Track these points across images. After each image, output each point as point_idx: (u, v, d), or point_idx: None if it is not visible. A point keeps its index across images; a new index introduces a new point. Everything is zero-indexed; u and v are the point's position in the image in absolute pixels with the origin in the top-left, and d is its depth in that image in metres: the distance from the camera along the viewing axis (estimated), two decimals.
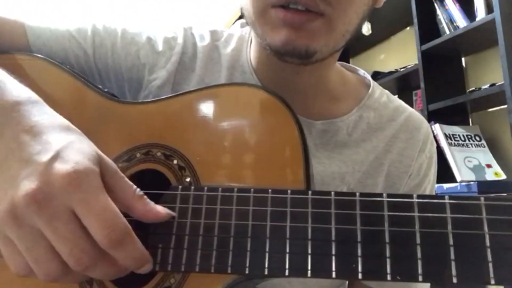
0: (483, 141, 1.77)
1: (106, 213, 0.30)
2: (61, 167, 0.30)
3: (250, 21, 0.47)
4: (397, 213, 0.32)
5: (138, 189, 0.35)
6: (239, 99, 0.43)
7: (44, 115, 0.35)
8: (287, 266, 0.33)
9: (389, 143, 0.56)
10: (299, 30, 0.43)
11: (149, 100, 0.48)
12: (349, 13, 0.44)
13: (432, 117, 1.76)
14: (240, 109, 0.43)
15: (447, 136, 1.72)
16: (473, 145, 1.75)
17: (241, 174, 0.39)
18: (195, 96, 0.45)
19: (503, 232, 0.29)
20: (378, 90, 0.60)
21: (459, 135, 1.75)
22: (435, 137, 1.74)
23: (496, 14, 1.49)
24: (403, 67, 2.05)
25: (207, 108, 0.44)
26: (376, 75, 2.18)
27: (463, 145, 1.73)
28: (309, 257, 0.33)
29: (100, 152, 0.34)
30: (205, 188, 0.38)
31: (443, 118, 1.76)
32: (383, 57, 2.46)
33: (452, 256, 0.29)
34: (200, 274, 0.36)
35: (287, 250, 0.33)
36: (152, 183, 0.40)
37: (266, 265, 0.34)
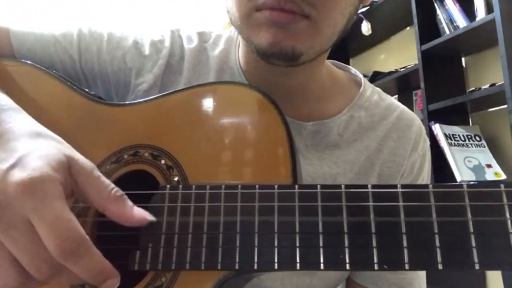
0: (483, 141, 1.77)
1: (59, 222, 0.29)
2: (17, 174, 0.30)
3: (236, 25, 0.47)
4: (382, 203, 0.32)
5: (116, 190, 0.34)
6: (225, 98, 0.44)
7: (15, 122, 0.35)
8: (276, 260, 0.34)
9: (381, 142, 0.55)
10: (285, 30, 0.43)
11: (136, 101, 0.48)
12: (334, 15, 0.44)
13: (432, 117, 1.76)
14: (226, 107, 0.43)
15: (447, 136, 1.72)
16: (473, 145, 1.75)
17: (229, 172, 0.40)
18: (181, 96, 0.45)
19: (486, 218, 0.29)
20: (369, 89, 0.59)
21: (459, 135, 1.75)
22: (435, 137, 1.74)
23: (496, 14, 1.49)
24: (403, 67, 2.05)
25: (193, 107, 0.44)
26: (376, 75, 2.18)
27: (463, 145, 1.73)
28: (298, 250, 0.33)
29: (73, 155, 0.34)
30: (193, 186, 0.38)
31: (443, 118, 1.76)
32: (383, 57, 2.46)
33: (437, 243, 0.30)
34: (191, 272, 0.36)
35: (275, 244, 0.34)
36: (141, 183, 0.41)
37: (256, 260, 0.34)
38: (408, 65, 2.01)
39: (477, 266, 0.29)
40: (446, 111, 1.75)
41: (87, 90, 0.50)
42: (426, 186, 0.31)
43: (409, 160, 0.55)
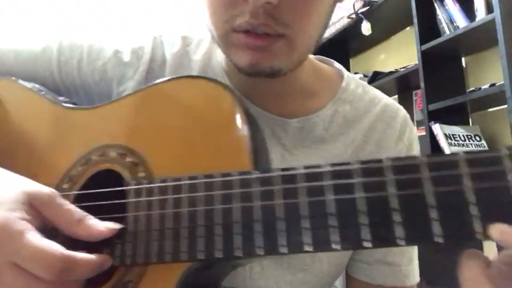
0: (483, 141, 1.77)
1: (38, 253, 0.32)
2: None
3: (215, 41, 0.48)
4: (370, 179, 0.30)
5: (78, 212, 0.37)
6: (183, 91, 0.45)
7: None
8: (240, 246, 0.34)
9: (367, 134, 0.55)
10: (262, 51, 0.44)
11: (103, 103, 0.49)
12: (308, 30, 0.45)
13: (432, 117, 1.76)
14: (185, 101, 0.44)
15: (447, 136, 1.72)
16: (473, 145, 1.75)
17: (191, 164, 0.40)
18: (143, 94, 0.47)
19: (485, 185, 0.28)
20: (353, 83, 0.59)
21: (459, 135, 1.75)
22: (435, 137, 1.74)
23: (496, 14, 1.49)
24: (403, 67, 2.05)
25: (154, 104, 0.45)
26: (376, 75, 2.18)
27: (463, 145, 1.73)
28: (262, 236, 0.33)
29: (30, 190, 0.36)
30: (157, 180, 0.39)
31: (443, 118, 1.76)
32: (383, 57, 2.46)
33: (435, 216, 0.28)
34: (158, 265, 0.37)
35: (236, 231, 0.34)
36: (110, 182, 0.42)
37: (221, 247, 0.34)
38: (408, 65, 2.01)
39: (479, 236, 0.27)
40: (446, 111, 1.75)
41: (60, 98, 0.52)
42: (416, 157, 0.30)
43: (395, 150, 0.56)
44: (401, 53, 2.29)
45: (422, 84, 1.80)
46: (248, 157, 0.38)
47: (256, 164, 0.37)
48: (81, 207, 0.39)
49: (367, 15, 2.14)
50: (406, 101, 2.12)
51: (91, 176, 0.45)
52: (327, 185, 0.32)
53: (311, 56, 0.58)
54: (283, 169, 0.34)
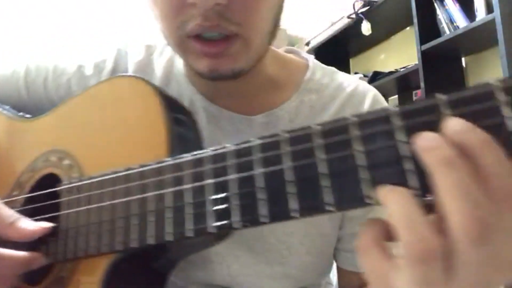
0: None
1: None
2: None
3: (172, 49, 0.49)
4: (268, 154, 0.30)
5: (11, 216, 0.40)
6: (111, 91, 0.48)
7: None
8: (153, 234, 0.35)
9: None
10: (220, 57, 0.44)
11: (49, 111, 0.53)
12: (260, 25, 0.45)
13: None
14: (112, 100, 0.47)
15: None
16: None
17: (117, 159, 0.42)
18: (77, 99, 0.51)
19: (375, 146, 0.26)
20: (319, 71, 0.58)
21: None
22: None
23: (496, 14, 1.49)
24: (403, 67, 2.05)
25: (86, 107, 0.49)
26: (376, 75, 2.18)
27: None
28: (171, 221, 0.34)
29: None
30: (85, 178, 0.42)
31: None
32: (383, 57, 2.46)
33: (327, 183, 0.27)
34: (88, 259, 0.40)
35: (150, 220, 0.35)
36: (52, 185, 0.45)
37: (136, 237, 0.36)
38: (408, 65, 2.01)
39: (369, 201, 0.26)
40: None
41: (21, 113, 0.57)
42: (308, 127, 0.29)
43: None
44: (401, 53, 2.29)
45: (422, 84, 1.80)
46: (165, 148, 0.39)
47: (174, 153, 0.38)
48: (21, 211, 0.43)
49: (367, 15, 2.14)
50: (406, 101, 2.11)
51: (38, 181, 0.48)
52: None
53: (274, 49, 0.58)
54: (193, 154, 0.34)
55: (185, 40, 0.44)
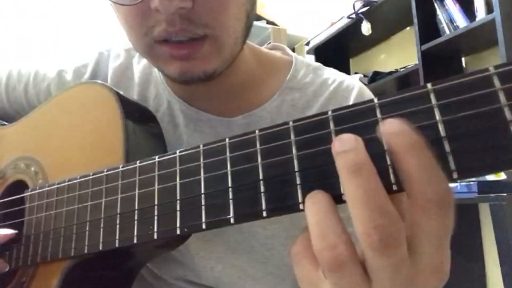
0: None
1: None
2: None
3: (142, 56, 0.48)
4: (239, 152, 0.29)
5: None
6: (76, 98, 0.49)
7: None
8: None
9: None
10: (191, 59, 0.43)
11: (22, 118, 0.54)
12: (230, 25, 0.43)
13: None
14: (75, 108, 0.48)
15: None
16: None
17: (80, 165, 0.43)
18: (46, 106, 0.51)
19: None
20: (302, 68, 0.56)
21: None
22: None
23: (496, 14, 1.49)
24: (403, 67, 2.05)
25: (53, 114, 0.50)
26: (376, 75, 2.18)
27: None
28: (135, 223, 0.34)
29: None
30: (45, 185, 0.43)
31: None
32: (383, 57, 2.46)
33: (298, 181, 0.26)
34: (47, 265, 0.41)
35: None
36: (20, 192, 0.46)
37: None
38: (408, 65, 2.01)
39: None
40: None
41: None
42: (286, 123, 0.28)
43: None
44: (401, 53, 2.29)
45: (422, 84, 1.80)
46: (121, 153, 0.40)
47: (130, 159, 0.39)
48: None
49: (367, 15, 2.14)
50: None
51: (8, 187, 0.50)
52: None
53: (256, 46, 0.57)
54: (160, 156, 0.34)
55: (154, 46, 0.43)
